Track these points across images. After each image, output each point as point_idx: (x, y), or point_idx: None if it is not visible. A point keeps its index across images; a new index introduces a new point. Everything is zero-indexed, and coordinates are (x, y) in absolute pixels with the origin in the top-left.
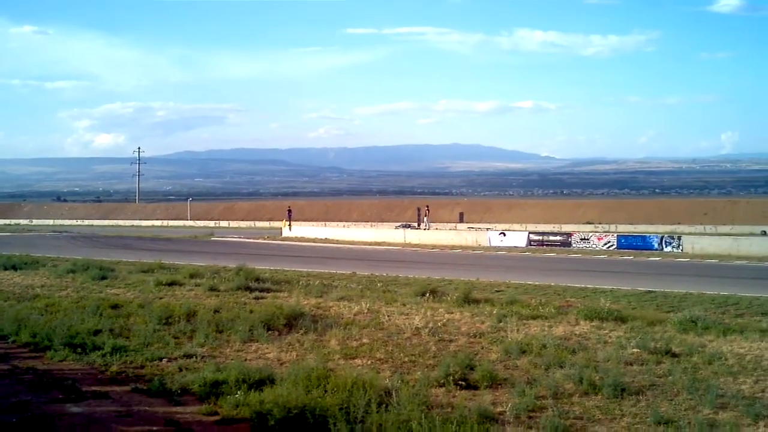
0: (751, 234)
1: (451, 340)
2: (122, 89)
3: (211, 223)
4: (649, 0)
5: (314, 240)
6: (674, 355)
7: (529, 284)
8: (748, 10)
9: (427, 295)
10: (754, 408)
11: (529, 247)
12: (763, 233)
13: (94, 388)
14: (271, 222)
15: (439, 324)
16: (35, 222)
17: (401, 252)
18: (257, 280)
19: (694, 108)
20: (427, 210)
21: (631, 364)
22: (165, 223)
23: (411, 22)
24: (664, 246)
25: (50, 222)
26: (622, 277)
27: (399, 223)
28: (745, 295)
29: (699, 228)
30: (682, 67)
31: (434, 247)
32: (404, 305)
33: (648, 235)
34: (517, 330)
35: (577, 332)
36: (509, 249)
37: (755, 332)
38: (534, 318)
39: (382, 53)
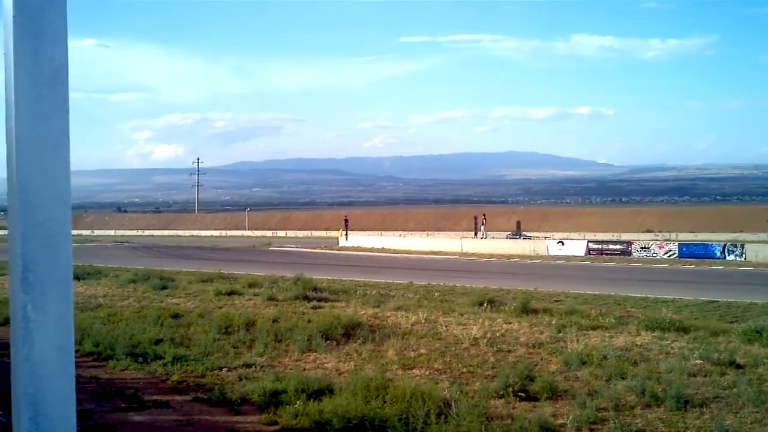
0: None
1: (509, 351)
2: (181, 101)
3: (269, 233)
4: (707, 3)
5: (371, 249)
6: (739, 367)
7: (589, 294)
8: None
9: (485, 304)
10: None
11: (588, 256)
12: None
13: (155, 397)
14: (328, 231)
15: (498, 334)
16: (97, 233)
17: (458, 261)
18: (315, 289)
19: (755, 112)
20: (484, 219)
21: (695, 376)
22: (223, 233)
23: (466, 29)
24: (726, 254)
25: (111, 233)
26: (684, 286)
27: (509, 233)
28: None
29: (762, 236)
30: (742, 71)
31: (491, 256)
32: (462, 315)
33: (710, 243)
34: (577, 340)
35: (639, 343)
36: (568, 258)
37: None
38: (594, 328)
39: (437, 61)
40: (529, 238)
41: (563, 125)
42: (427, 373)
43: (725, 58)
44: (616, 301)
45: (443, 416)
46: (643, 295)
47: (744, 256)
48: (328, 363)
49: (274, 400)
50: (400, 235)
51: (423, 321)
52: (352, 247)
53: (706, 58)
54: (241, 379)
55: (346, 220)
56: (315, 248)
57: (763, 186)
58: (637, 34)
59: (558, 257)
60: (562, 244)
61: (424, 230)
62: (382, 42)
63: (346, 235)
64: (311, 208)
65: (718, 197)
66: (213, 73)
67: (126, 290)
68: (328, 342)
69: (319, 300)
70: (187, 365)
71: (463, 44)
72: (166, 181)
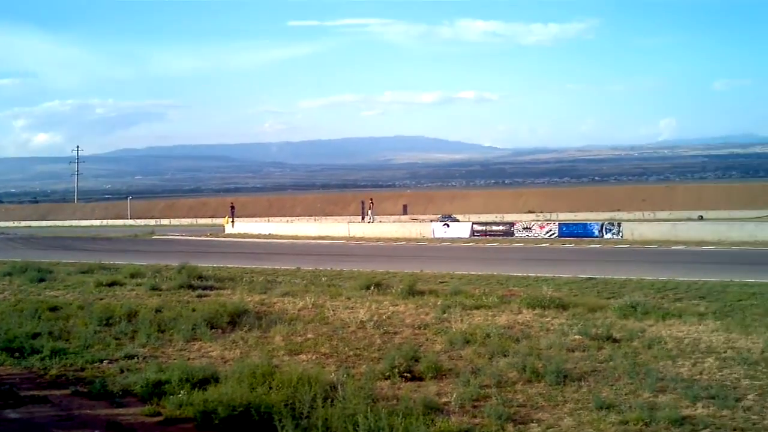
0: (689, 219)
1: (395, 333)
2: (61, 86)
3: (152, 222)
4: None
5: (257, 236)
6: (615, 341)
7: (473, 274)
8: None
9: (372, 288)
10: (693, 390)
11: (473, 237)
12: (700, 218)
13: (32, 392)
14: (214, 219)
15: (384, 317)
16: None
17: (345, 246)
18: (200, 278)
19: (634, 95)
20: (371, 203)
21: (573, 351)
22: (105, 222)
23: (354, 13)
24: (604, 233)
25: None
26: (564, 264)
27: (439, 216)
28: (684, 279)
29: (638, 214)
30: (622, 54)
31: (378, 239)
32: (349, 299)
33: (588, 222)
34: (461, 320)
35: (520, 321)
36: (453, 240)
37: (693, 316)
38: (478, 308)
39: (326, 45)
40: (457, 220)
41: (450, 109)
42: (314, 357)
43: (606, 41)
44: (499, 281)
45: (330, 400)
46: (525, 274)
47: (621, 234)
48: (213, 351)
49: (157, 391)
50: (287, 221)
51: (310, 306)
52: (239, 233)
53: (587, 42)
54: (123, 371)
55: (232, 207)
56: (200, 236)
57: (640, 167)
58: (521, 19)
59: (444, 239)
60: (448, 226)
61: (312, 215)
62: (271, 26)
63: (233, 222)
64: (196, 196)
65: (596, 178)
66: (94, 58)
67: (1, 284)
68: (213, 330)
69: (205, 288)
70: (67, 359)
71: (352, 28)
72: (44, 170)
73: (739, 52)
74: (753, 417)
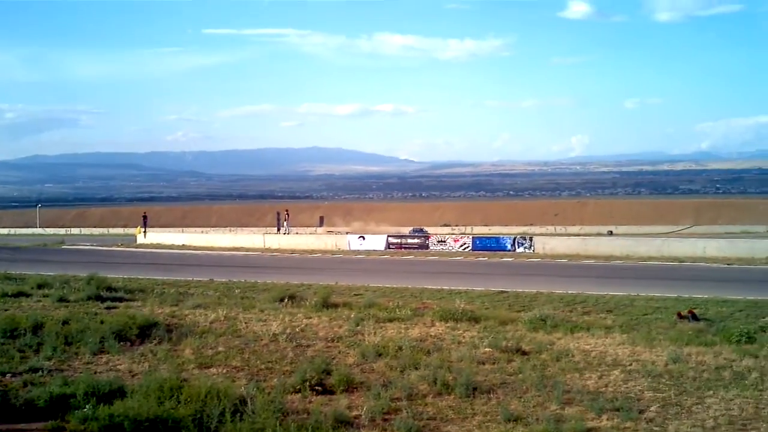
0: (599, 234)
1: (308, 346)
2: None
3: (62, 231)
4: (504, 5)
5: (171, 246)
6: (524, 353)
7: (387, 287)
8: (598, 16)
9: (286, 300)
10: (598, 402)
11: (388, 249)
12: (610, 233)
13: None
14: (126, 229)
15: (297, 329)
16: None
17: (260, 257)
18: (109, 289)
19: (547, 112)
20: (287, 214)
21: (484, 363)
22: (12, 231)
23: (272, 23)
24: (516, 247)
25: None
26: (477, 278)
27: (411, 228)
28: (592, 293)
29: (550, 228)
30: (536, 72)
31: (294, 251)
32: (262, 311)
33: (501, 236)
34: (374, 333)
35: (433, 333)
36: (368, 252)
37: (600, 329)
38: (391, 321)
39: (243, 55)
40: (425, 232)
41: (367, 122)
42: (224, 371)
43: (521, 59)
44: (413, 294)
45: (239, 414)
46: (439, 287)
47: (533, 248)
48: (121, 365)
49: (62, 405)
50: (202, 232)
51: (222, 318)
52: (151, 244)
53: (502, 58)
54: (26, 385)
55: (144, 217)
56: (111, 246)
57: (553, 182)
58: (438, 34)
59: (359, 252)
60: (364, 238)
61: (228, 226)
62: (187, 34)
63: (145, 232)
64: (109, 205)
65: (511, 192)
66: (2, 61)
67: None
68: (122, 343)
69: (114, 300)
70: None
71: (270, 38)
72: None
73: (649, 72)
74: (655, 428)
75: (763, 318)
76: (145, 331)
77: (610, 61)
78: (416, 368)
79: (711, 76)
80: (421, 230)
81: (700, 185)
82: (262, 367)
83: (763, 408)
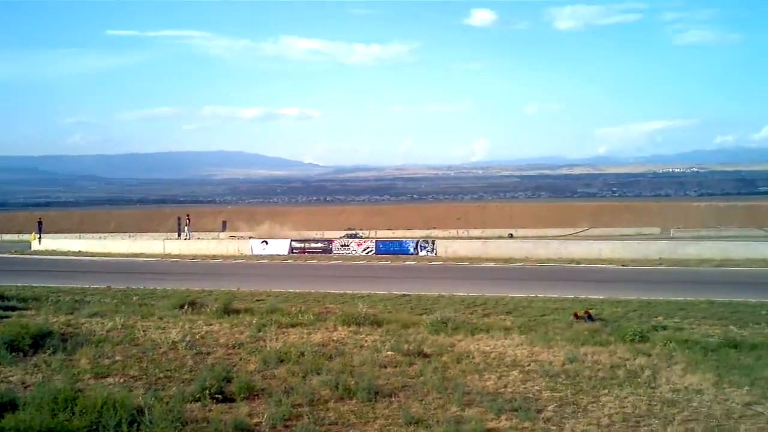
0: (500, 237)
1: (209, 353)
2: None
3: None
4: (409, 11)
5: (67, 253)
6: (426, 356)
7: (290, 292)
8: (501, 23)
9: (186, 307)
10: (497, 403)
11: (292, 254)
12: (510, 236)
13: None
14: (20, 235)
15: (197, 336)
16: None
17: (160, 263)
18: (1, 297)
19: (450, 116)
20: (188, 219)
21: (386, 367)
22: None
23: (175, 25)
24: (419, 250)
25: None
26: (380, 281)
27: (344, 232)
28: (492, 295)
29: (453, 232)
30: (440, 77)
31: (195, 257)
32: (161, 319)
33: (404, 240)
34: (276, 339)
35: (335, 338)
36: (271, 257)
37: (500, 330)
38: (293, 326)
39: (146, 57)
40: (360, 236)
41: (272, 126)
42: (121, 380)
43: (425, 64)
44: (316, 298)
45: (136, 424)
46: (342, 291)
47: (435, 251)
48: (13, 376)
49: None
50: (100, 238)
51: (120, 327)
52: (47, 250)
53: (407, 63)
54: None
55: (39, 222)
56: (4, 253)
57: (455, 186)
58: (343, 39)
59: (262, 257)
60: (267, 243)
61: (127, 232)
62: (88, 35)
63: (40, 238)
64: (2, 210)
65: (415, 196)
66: None
67: None
68: (14, 354)
69: (6, 309)
70: None
71: (173, 40)
72: None
73: (549, 78)
74: (552, 428)
75: (656, 317)
76: (39, 340)
77: (512, 67)
78: (318, 373)
79: (609, 83)
80: (355, 234)
81: (598, 189)
82: (161, 375)
83: (656, 405)
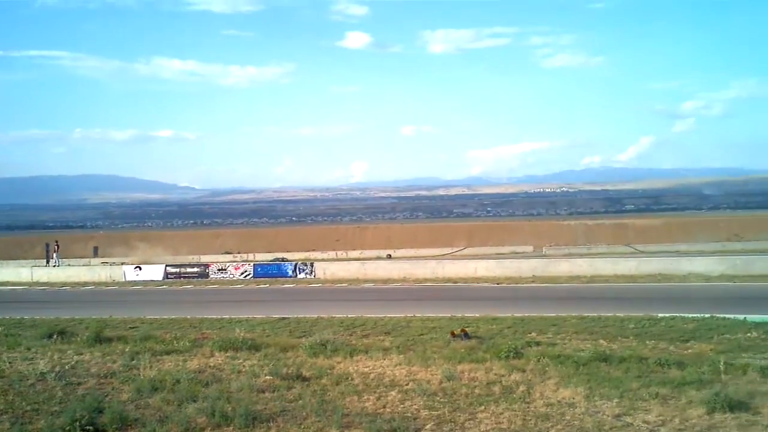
0: (378, 258)
1: (79, 383)
2: None
3: None
4: (283, 33)
5: None
6: (305, 379)
7: (165, 318)
8: (375, 46)
9: (55, 336)
10: (376, 424)
11: (167, 280)
12: (389, 257)
13: None
14: None
15: (67, 367)
16: None
17: (28, 292)
18: None
19: (327, 138)
20: (57, 245)
21: (264, 392)
22: None
23: (42, 45)
24: (298, 273)
25: None
26: (258, 305)
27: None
28: (371, 316)
29: (332, 254)
30: (317, 99)
31: (65, 284)
32: (29, 349)
33: (283, 263)
34: (151, 367)
35: (212, 364)
36: (145, 283)
37: (379, 351)
38: (168, 353)
39: (11, 77)
40: (288, 261)
41: (145, 148)
42: None
43: (301, 86)
44: (192, 324)
45: None
46: (219, 317)
47: (314, 273)
48: None
49: None
50: None
51: None
52: None
53: (283, 85)
54: None
55: None
56: None
57: (334, 207)
58: (219, 60)
59: (136, 283)
60: (140, 269)
61: None
62: None
63: None
64: None
65: (293, 218)
66: None
67: None
68: None
69: None
70: None
71: (41, 60)
72: None
73: (424, 101)
74: None
75: (530, 334)
76: None
77: (388, 89)
78: (194, 401)
79: (482, 106)
80: (284, 259)
81: (473, 209)
82: (28, 409)
83: (530, 420)
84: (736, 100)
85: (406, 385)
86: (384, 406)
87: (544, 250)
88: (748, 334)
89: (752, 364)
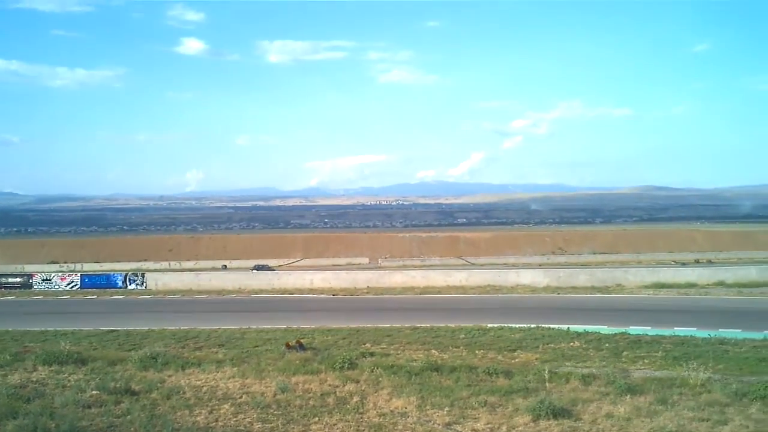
0: (214, 268)
1: None
2: None
3: None
4: (114, 35)
5: None
6: (134, 394)
7: None
8: (212, 54)
9: None
10: None
11: None
12: (224, 267)
13: None
14: None
15: None
16: None
17: None
18: None
19: (162, 146)
20: None
21: (90, 407)
22: None
23: None
24: (128, 283)
25: None
26: (85, 317)
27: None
28: (205, 328)
29: (165, 264)
30: (151, 105)
31: None
32: None
33: (113, 273)
34: None
35: (35, 379)
36: None
37: (212, 363)
38: None
39: None
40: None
41: None
42: None
43: (134, 91)
44: (14, 337)
45: None
46: (43, 329)
47: (145, 284)
48: None
49: None
50: None
51: None
52: None
53: (115, 89)
54: None
55: None
56: None
57: (168, 217)
58: (45, 61)
59: None
60: None
61: None
62: None
63: None
64: None
65: (125, 227)
66: None
67: None
68: None
69: None
70: None
71: None
72: None
73: (261, 110)
74: None
75: (364, 344)
76: None
77: (225, 98)
78: (14, 417)
79: (320, 117)
80: (266, 266)
81: (310, 220)
82: None
83: (363, 430)
84: (561, 120)
85: (240, 397)
86: (216, 420)
87: (379, 261)
88: (571, 344)
89: (574, 372)
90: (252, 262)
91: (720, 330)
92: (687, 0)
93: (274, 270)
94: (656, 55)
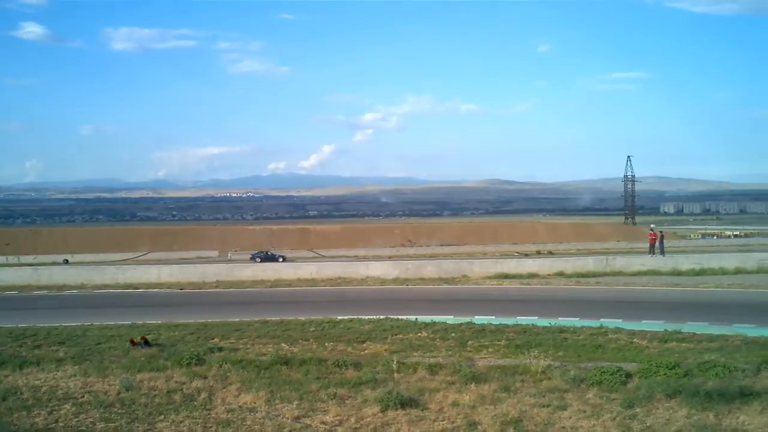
0: (54, 263)
1: None
2: None
3: None
4: None
5: None
6: None
7: None
8: (52, 39)
9: None
10: None
11: None
12: (66, 262)
13: None
14: None
15: None
16: None
17: None
18: None
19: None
20: None
21: None
22: None
23: None
24: None
25: None
26: None
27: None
28: (44, 325)
29: (2, 259)
30: None
31: None
32: None
33: None
34: None
35: None
36: None
37: (52, 362)
38: None
39: None
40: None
41: None
42: None
43: None
44: None
45: None
46: None
47: None
48: None
49: None
50: None
51: None
52: None
53: None
54: None
55: None
56: None
57: (5, 209)
58: None
59: None
60: None
61: None
62: None
63: None
64: None
65: None
66: None
67: None
68: None
69: None
70: None
71: None
72: None
73: (105, 99)
74: None
75: (212, 339)
76: None
77: (66, 85)
78: None
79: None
80: (272, 254)
81: (158, 212)
82: None
83: (211, 426)
84: (411, 115)
85: (82, 397)
86: (57, 421)
87: (229, 254)
88: (419, 334)
89: (422, 362)
90: (94, 257)
91: (560, 318)
92: (531, 1)
93: (280, 260)
94: (503, 54)
